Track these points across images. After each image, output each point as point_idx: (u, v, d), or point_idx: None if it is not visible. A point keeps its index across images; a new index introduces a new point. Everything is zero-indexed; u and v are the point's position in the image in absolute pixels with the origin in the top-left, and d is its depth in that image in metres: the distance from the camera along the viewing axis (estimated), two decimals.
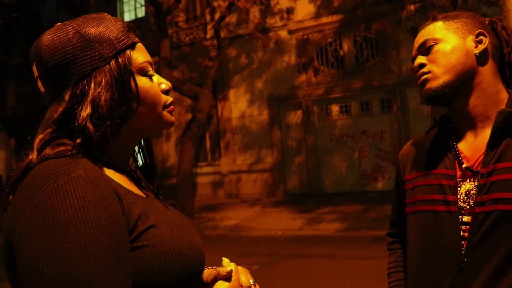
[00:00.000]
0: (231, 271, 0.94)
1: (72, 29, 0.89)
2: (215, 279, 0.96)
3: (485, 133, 1.19)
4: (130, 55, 0.92)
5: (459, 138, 1.25)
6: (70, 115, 0.86)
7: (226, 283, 0.94)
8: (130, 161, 1.04)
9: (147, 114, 0.94)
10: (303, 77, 12.99)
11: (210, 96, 11.20)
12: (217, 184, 14.33)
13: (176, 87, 10.52)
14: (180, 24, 15.02)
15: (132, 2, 16.24)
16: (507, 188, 1.09)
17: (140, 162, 1.08)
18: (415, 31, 1.33)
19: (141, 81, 0.93)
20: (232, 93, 14.19)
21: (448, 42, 1.22)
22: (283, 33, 13.14)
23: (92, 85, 0.86)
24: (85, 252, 0.72)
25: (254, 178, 13.44)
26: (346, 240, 7.64)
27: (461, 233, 1.15)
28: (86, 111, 0.85)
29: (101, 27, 0.91)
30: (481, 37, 1.22)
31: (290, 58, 13.23)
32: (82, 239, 0.72)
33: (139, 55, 0.94)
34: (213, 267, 1.01)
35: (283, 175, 13.23)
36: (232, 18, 13.31)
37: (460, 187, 1.19)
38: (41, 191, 0.75)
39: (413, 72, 1.28)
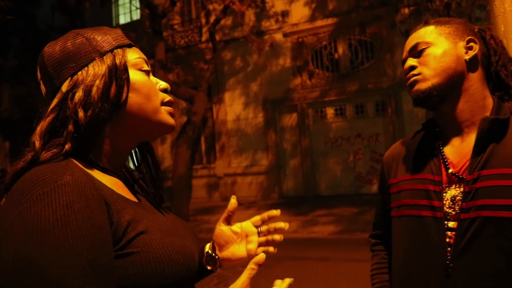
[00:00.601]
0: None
1: (72, 32, 0.95)
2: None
3: (471, 139, 1.20)
4: (126, 51, 0.96)
5: (445, 142, 1.25)
6: (66, 106, 0.87)
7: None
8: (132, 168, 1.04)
9: (142, 106, 0.93)
10: (298, 80, 13.02)
11: (205, 99, 11.20)
12: (212, 187, 14.31)
13: (171, 90, 10.50)
14: (175, 27, 15.02)
15: (127, 5, 16.23)
16: (491, 194, 1.10)
17: (143, 170, 1.08)
18: (409, 35, 1.35)
19: (137, 74, 0.95)
20: (227, 96, 14.19)
21: (439, 46, 1.23)
22: (278, 36, 13.17)
23: (85, 74, 0.89)
24: (60, 264, 0.71)
25: (249, 181, 13.44)
26: (341, 242, 7.65)
27: (447, 239, 1.16)
28: (78, 96, 0.87)
29: (99, 30, 0.96)
30: (471, 43, 1.23)
31: (285, 61, 13.25)
32: (58, 250, 0.71)
33: (135, 53, 0.97)
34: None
35: (278, 177, 13.23)
36: (227, 21, 13.33)
37: (446, 192, 1.19)
38: (27, 197, 0.75)
39: (404, 74, 1.29)
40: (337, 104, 12.67)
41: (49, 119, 0.87)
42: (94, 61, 0.91)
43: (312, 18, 12.87)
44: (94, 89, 0.88)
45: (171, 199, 10.20)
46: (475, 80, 1.23)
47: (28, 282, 0.70)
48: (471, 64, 1.23)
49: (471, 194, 1.13)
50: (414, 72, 1.24)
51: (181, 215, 8.72)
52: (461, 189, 1.16)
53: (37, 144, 0.85)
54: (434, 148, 1.25)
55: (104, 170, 0.89)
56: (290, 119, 13.24)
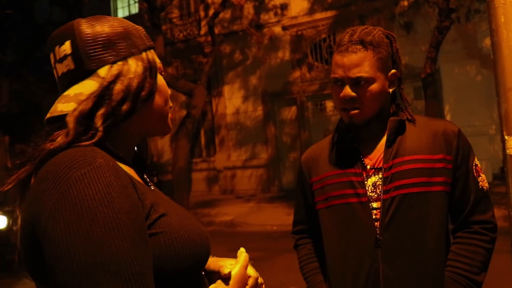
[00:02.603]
0: (229, 273, 0.97)
1: (110, 17, 0.97)
2: (214, 274, 1.00)
3: (380, 139, 1.49)
4: (154, 54, 1.01)
5: (360, 143, 1.50)
6: (107, 96, 0.89)
7: (224, 285, 0.96)
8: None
9: (161, 108, 0.99)
10: (297, 73, 13.01)
11: (204, 93, 11.19)
12: (212, 180, 14.34)
13: (170, 84, 10.51)
14: (174, 20, 14.98)
15: None
16: (404, 176, 1.40)
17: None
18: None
19: (160, 78, 1.01)
20: (226, 89, 14.18)
21: (378, 84, 1.42)
22: (277, 29, 13.14)
23: (126, 68, 0.92)
24: (113, 236, 0.74)
25: (249, 174, 13.47)
26: None
27: (374, 216, 1.42)
28: (119, 88, 0.90)
29: (133, 26, 0.99)
30: (394, 78, 1.47)
31: (284, 54, 13.23)
32: (110, 224, 0.75)
33: (156, 57, 1.02)
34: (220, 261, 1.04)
35: (278, 170, 13.26)
36: (226, 14, 13.29)
37: (366, 181, 1.45)
38: (65, 179, 0.77)
39: (340, 100, 1.45)
40: None
41: (90, 104, 0.87)
42: (134, 56, 0.95)
43: (311, 11, 12.83)
44: (134, 85, 0.91)
45: (171, 192, 10.22)
46: (388, 100, 1.50)
47: (87, 255, 0.72)
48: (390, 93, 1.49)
49: (388, 178, 1.41)
50: (355, 105, 1.42)
51: None
52: (380, 176, 1.44)
53: (72, 126, 0.85)
54: (351, 147, 1.50)
55: (120, 159, 0.92)
56: (290, 112, 13.25)
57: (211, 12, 12.22)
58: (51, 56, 0.95)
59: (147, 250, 0.79)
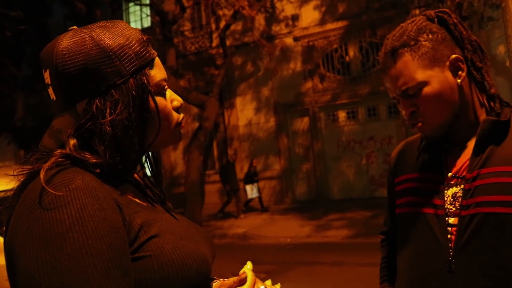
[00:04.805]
0: (245, 279, 0.92)
1: (90, 39, 0.86)
2: None
3: (471, 142, 1.22)
4: (149, 72, 0.91)
5: (450, 144, 1.26)
6: (83, 129, 0.84)
7: None
8: (138, 169, 1.03)
9: (159, 131, 0.93)
10: (309, 84, 12.99)
11: (216, 104, 11.24)
12: (225, 192, 14.32)
13: (182, 96, 10.54)
14: (186, 33, 15.10)
15: (138, 13, 16.37)
16: (489, 191, 1.13)
17: (148, 171, 1.07)
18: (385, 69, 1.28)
19: (158, 100, 0.92)
20: (238, 101, 14.21)
21: (432, 84, 1.17)
22: (289, 40, 13.17)
23: (103, 103, 0.84)
24: (83, 264, 0.71)
25: (262, 186, 13.41)
26: (355, 246, 7.59)
27: (448, 235, 1.18)
28: (101, 123, 0.83)
29: (121, 39, 0.88)
30: (458, 63, 1.19)
31: (296, 65, 13.24)
32: (79, 250, 0.72)
33: (157, 72, 0.93)
34: (224, 279, 0.99)
35: (291, 182, 13.19)
36: (238, 26, 13.36)
37: (447, 190, 1.22)
38: (39, 203, 0.75)
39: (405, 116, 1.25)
40: (349, 107, 12.61)
41: (70, 145, 0.84)
42: (116, 86, 0.85)
43: (322, 22, 12.85)
44: (118, 124, 0.84)
45: (183, 204, 10.22)
46: (468, 96, 1.21)
47: (52, 285, 0.70)
48: (463, 85, 1.20)
49: (470, 191, 1.16)
50: (417, 118, 1.21)
51: (193, 221, 8.71)
52: (462, 187, 1.19)
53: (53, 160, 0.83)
54: (437, 148, 1.27)
55: (116, 176, 0.88)
56: (302, 123, 13.21)
57: (222, 24, 12.29)
58: None
59: (124, 278, 0.75)
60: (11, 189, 0.85)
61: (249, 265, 0.97)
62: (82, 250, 0.72)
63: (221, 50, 12.22)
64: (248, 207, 12.43)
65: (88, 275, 0.71)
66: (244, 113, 14.11)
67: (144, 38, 0.92)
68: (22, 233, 0.74)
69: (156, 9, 11.29)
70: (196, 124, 12.34)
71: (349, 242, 8.12)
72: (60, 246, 0.71)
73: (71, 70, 0.84)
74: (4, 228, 0.85)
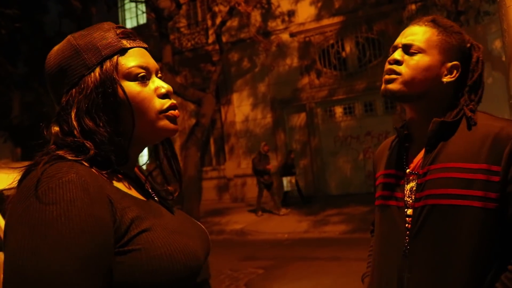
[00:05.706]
0: None
1: (67, 42, 0.96)
2: None
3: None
4: (117, 61, 0.94)
5: (412, 143, 1.42)
6: (61, 118, 0.92)
7: None
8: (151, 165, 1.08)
9: (137, 118, 0.93)
10: (306, 80, 13.00)
11: (213, 101, 11.23)
12: (222, 189, 14.33)
13: (179, 93, 10.55)
14: (182, 29, 15.06)
15: (134, 9, 16.31)
16: (435, 186, 1.28)
17: (168, 167, 1.10)
18: (413, 20, 1.41)
19: (129, 86, 0.94)
20: (235, 97, 14.20)
21: (429, 58, 1.32)
22: (285, 36, 13.16)
23: (75, 92, 0.92)
24: (61, 255, 0.75)
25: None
26: (353, 241, 7.61)
27: (406, 225, 1.34)
28: (73, 114, 0.90)
29: (92, 37, 0.95)
30: (454, 70, 1.33)
31: (293, 60, 13.23)
32: (60, 243, 0.75)
33: (129, 60, 0.95)
34: None
35: None
36: (234, 23, 13.34)
37: (407, 185, 1.38)
38: (33, 192, 0.79)
39: (388, 60, 1.37)
40: (346, 103, 12.62)
41: (55, 129, 0.92)
42: (84, 77, 0.92)
43: (318, 17, 12.84)
44: (84, 111, 0.90)
45: (181, 201, 10.22)
46: (442, 94, 1.35)
47: (33, 270, 0.74)
48: (445, 85, 1.34)
49: (422, 186, 1.31)
50: (396, 69, 1.33)
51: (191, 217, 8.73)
52: (416, 182, 1.35)
53: (53, 147, 0.90)
54: (401, 147, 1.43)
55: (112, 169, 0.91)
56: (299, 119, 13.22)
57: (218, 20, 12.27)
58: None
59: (100, 273, 0.78)
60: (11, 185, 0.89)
61: None
62: (63, 242, 0.75)
63: (217, 47, 12.19)
64: (286, 200, 11.99)
65: (63, 268, 0.74)
66: (241, 109, 14.11)
67: (118, 32, 0.97)
68: (14, 219, 0.79)
69: (151, 6, 11.25)
70: (193, 121, 12.32)
71: (347, 237, 8.14)
72: (44, 235, 0.75)
73: (51, 71, 0.95)
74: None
